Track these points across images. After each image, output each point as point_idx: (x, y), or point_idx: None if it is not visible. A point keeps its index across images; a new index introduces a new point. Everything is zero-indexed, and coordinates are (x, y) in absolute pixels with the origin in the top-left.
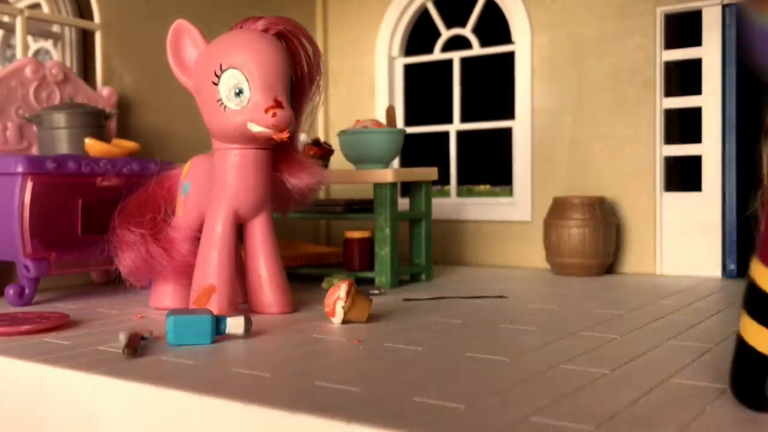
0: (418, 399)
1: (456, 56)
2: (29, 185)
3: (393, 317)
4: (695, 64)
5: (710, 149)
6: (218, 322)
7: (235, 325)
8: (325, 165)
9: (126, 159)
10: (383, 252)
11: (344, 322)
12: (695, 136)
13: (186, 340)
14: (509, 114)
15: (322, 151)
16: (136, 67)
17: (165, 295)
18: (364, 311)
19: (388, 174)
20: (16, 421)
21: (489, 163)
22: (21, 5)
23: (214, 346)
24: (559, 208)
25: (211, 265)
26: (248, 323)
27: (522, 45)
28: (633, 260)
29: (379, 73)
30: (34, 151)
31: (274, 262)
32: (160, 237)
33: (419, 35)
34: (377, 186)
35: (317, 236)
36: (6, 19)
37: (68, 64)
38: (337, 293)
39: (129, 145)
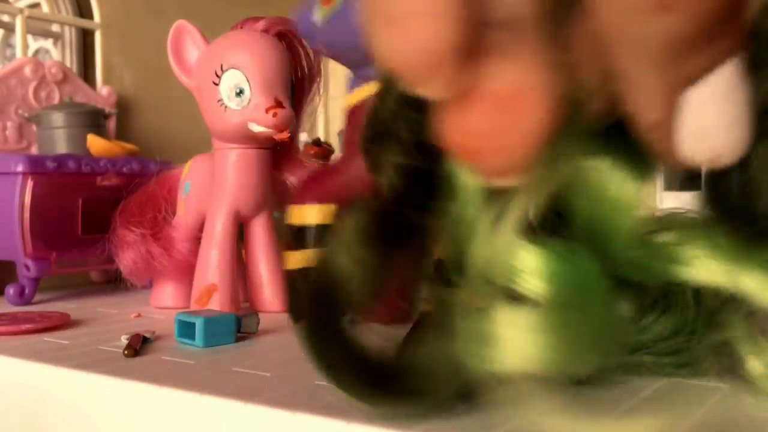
0: None
1: None
2: (29, 185)
3: None
4: None
5: None
6: (237, 321)
7: (247, 323)
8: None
9: (126, 159)
10: None
11: None
12: None
13: (213, 341)
14: None
15: (322, 151)
16: (136, 67)
17: (166, 295)
18: None
19: None
20: (16, 421)
21: None
22: (21, 5)
23: (214, 346)
24: None
25: (212, 265)
26: (258, 320)
27: None
28: None
29: None
30: (34, 150)
31: (275, 261)
32: (160, 237)
33: None
34: None
35: None
36: (6, 18)
37: (68, 63)
38: None
39: (129, 146)
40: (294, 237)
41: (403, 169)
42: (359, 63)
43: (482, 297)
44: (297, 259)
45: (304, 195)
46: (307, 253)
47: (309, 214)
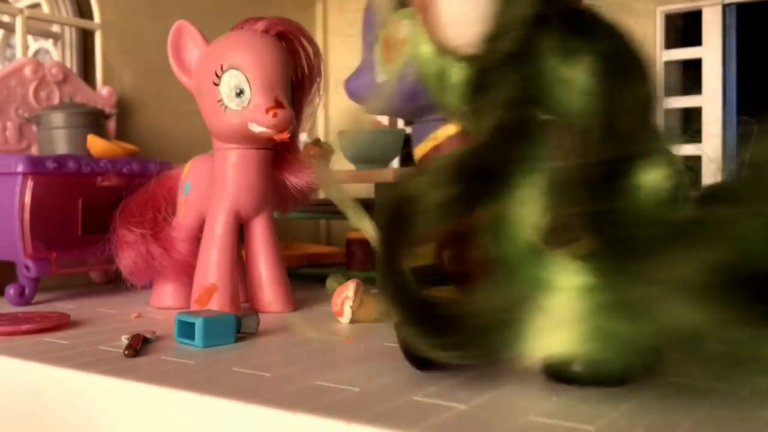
0: (418, 398)
1: None
2: (30, 185)
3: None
4: (695, 64)
5: (710, 148)
6: (237, 321)
7: (247, 323)
8: (326, 165)
9: (126, 159)
10: None
11: (352, 321)
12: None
13: (212, 341)
14: None
15: (322, 151)
16: (136, 67)
17: (166, 295)
18: (372, 311)
19: (390, 173)
20: (16, 421)
21: None
22: (21, 5)
23: (214, 347)
24: None
25: (212, 265)
26: (258, 321)
27: None
28: None
29: None
30: (34, 150)
31: (275, 261)
32: (160, 237)
33: None
34: (378, 185)
35: (317, 236)
36: (6, 18)
37: (68, 64)
38: (345, 293)
39: (129, 147)
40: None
41: (498, 122)
42: (428, 111)
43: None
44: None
45: None
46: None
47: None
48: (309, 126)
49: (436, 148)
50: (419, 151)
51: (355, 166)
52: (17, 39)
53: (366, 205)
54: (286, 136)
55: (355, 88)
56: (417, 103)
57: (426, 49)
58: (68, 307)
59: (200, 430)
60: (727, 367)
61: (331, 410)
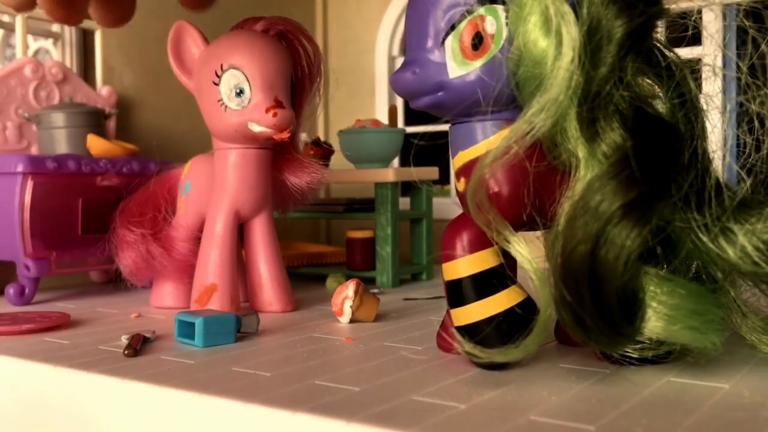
0: (418, 398)
1: None
2: (29, 185)
3: (393, 316)
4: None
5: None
6: (237, 321)
7: (247, 323)
8: (326, 164)
9: (126, 159)
10: (384, 251)
11: (352, 321)
12: None
13: (212, 341)
14: None
15: (322, 151)
16: (136, 66)
17: (166, 295)
18: (372, 310)
19: (390, 173)
20: (16, 421)
21: None
22: None
23: (214, 346)
24: None
25: (212, 265)
26: (258, 320)
27: None
28: None
29: (379, 72)
30: (34, 150)
31: (275, 260)
32: (160, 236)
33: None
34: (378, 185)
35: (317, 236)
36: (6, 18)
37: (68, 63)
38: (345, 292)
39: (129, 146)
40: (452, 292)
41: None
42: (504, 106)
43: None
44: (470, 313)
45: (452, 249)
46: (479, 305)
47: (463, 267)
48: (309, 126)
49: (504, 152)
50: (465, 155)
51: (355, 166)
52: (17, 39)
53: (366, 204)
54: (286, 135)
55: (403, 83)
56: (490, 99)
57: (533, 36)
58: (68, 307)
59: (200, 430)
60: None
61: (331, 410)
